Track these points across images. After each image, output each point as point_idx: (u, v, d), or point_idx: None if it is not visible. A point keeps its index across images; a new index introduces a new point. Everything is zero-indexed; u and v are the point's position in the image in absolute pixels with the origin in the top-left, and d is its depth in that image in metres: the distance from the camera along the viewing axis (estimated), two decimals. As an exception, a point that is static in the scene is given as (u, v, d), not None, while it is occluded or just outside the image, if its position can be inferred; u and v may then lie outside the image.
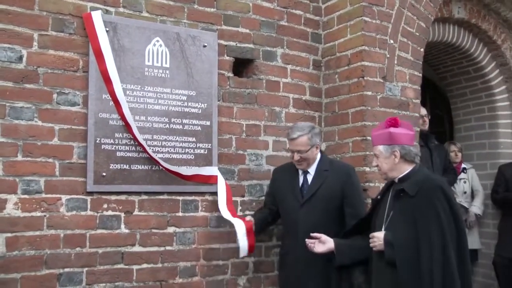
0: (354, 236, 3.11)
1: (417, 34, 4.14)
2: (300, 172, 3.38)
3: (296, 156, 3.29)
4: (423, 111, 4.92)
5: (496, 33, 5.30)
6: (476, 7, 5.11)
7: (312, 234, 3.07)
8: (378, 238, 2.79)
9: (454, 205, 2.72)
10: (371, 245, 2.84)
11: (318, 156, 3.38)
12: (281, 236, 3.59)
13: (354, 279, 3.06)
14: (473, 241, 5.27)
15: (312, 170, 3.35)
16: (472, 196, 5.49)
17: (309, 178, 3.35)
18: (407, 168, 2.87)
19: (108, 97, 3.16)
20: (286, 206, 3.38)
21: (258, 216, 3.43)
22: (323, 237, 3.07)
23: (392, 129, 2.86)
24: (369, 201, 3.48)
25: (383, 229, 2.84)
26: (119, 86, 3.16)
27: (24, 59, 2.95)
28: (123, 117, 3.16)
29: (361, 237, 3.04)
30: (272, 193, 3.53)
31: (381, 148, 2.88)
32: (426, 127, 4.90)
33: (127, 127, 3.18)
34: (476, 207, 5.39)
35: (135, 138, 3.19)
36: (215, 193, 3.48)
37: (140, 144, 3.20)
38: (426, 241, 2.63)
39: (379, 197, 3.03)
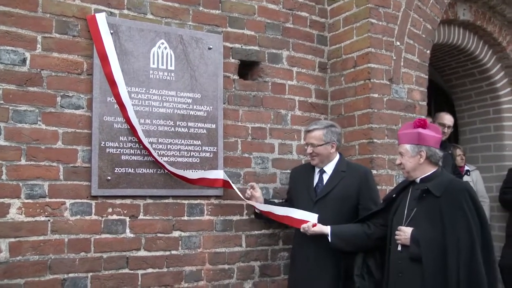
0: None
1: (423, 36, 4.06)
2: (317, 171, 3.34)
3: (309, 149, 3.28)
4: (448, 121, 4.77)
5: (501, 35, 5.24)
6: (481, 9, 5.03)
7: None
8: (405, 232, 2.80)
9: (479, 207, 2.75)
10: (396, 237, 2.84)
11: (337, 157, 3.33)
12: (293, 234, 3.49)
13: (358, 269, 3.05)
14: None
15: (329, 170, 3.30)
16: None
17: (325, 177, 3.30)
18: (430, 170, 2.90)
19: (112, 100, 3.09)
20: (299, 203, 3.32)
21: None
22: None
23: (421, 130, 2.88)
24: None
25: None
26: (124, 88, 3.10)
27: (28, 61, 2.88)
28: (128, 120, 3.09)
29: (360, 224, 3.09)
30: (289, 190, 3.51)
31: (407, 147, 2.91)
32: (444, 138, 4.76)
33: (132, 130, 3.11)
34: None
35: (140, 142, 3.12)
36: (220, 197, 3.41)
37: (145, 148, 3.13)
38: (454, 242, 2.65)
39: (394, 195, 3.02)
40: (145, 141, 3.12)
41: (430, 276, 2.67)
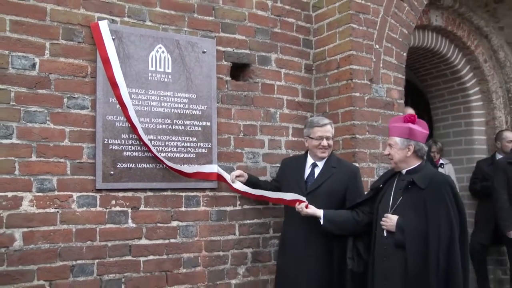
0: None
1: (400, 39, 4.18)
2: (308, 165, 3.38)
3: (325, 142, 3.29)
4: (410, 112, 4.88)
5: (469, 39, 5.41)
6: (452, 15, 5.20)
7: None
8: (391, 220, 2.86)
9: (459, 200, 2.83)
10: (382, 223, 2.91)
11: None
12: (283, 222, 3.57)
13: (349, 252, 3.11)
14: None
15: (320, 164, 3.36)
16: None
17: (316, 171, 3.35)
18: (416, 163, 2.95)
19: (115, 100, 3.16)
20: None
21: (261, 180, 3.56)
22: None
23: (411, 125, 2.93)
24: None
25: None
26: (125, 90, 3.16)
27: (37, 66, 2.95)
28: (129, 119, 3.16)
29: (350, 211, 3.16)
30: (278, 180, 3.56)
31: (397, 139, 2.95)
32: None
33: (133, 128, 3.18)
34: None
35: (140, 139, 3.20)
36: (215, 189, 3.50)
37: (145, 144, 3.21)
38: (435, 232, 2.71)
39: (381, 185, 3.08)
40: (145, 138, 3.19)
41: (413, 261, 2.74)
